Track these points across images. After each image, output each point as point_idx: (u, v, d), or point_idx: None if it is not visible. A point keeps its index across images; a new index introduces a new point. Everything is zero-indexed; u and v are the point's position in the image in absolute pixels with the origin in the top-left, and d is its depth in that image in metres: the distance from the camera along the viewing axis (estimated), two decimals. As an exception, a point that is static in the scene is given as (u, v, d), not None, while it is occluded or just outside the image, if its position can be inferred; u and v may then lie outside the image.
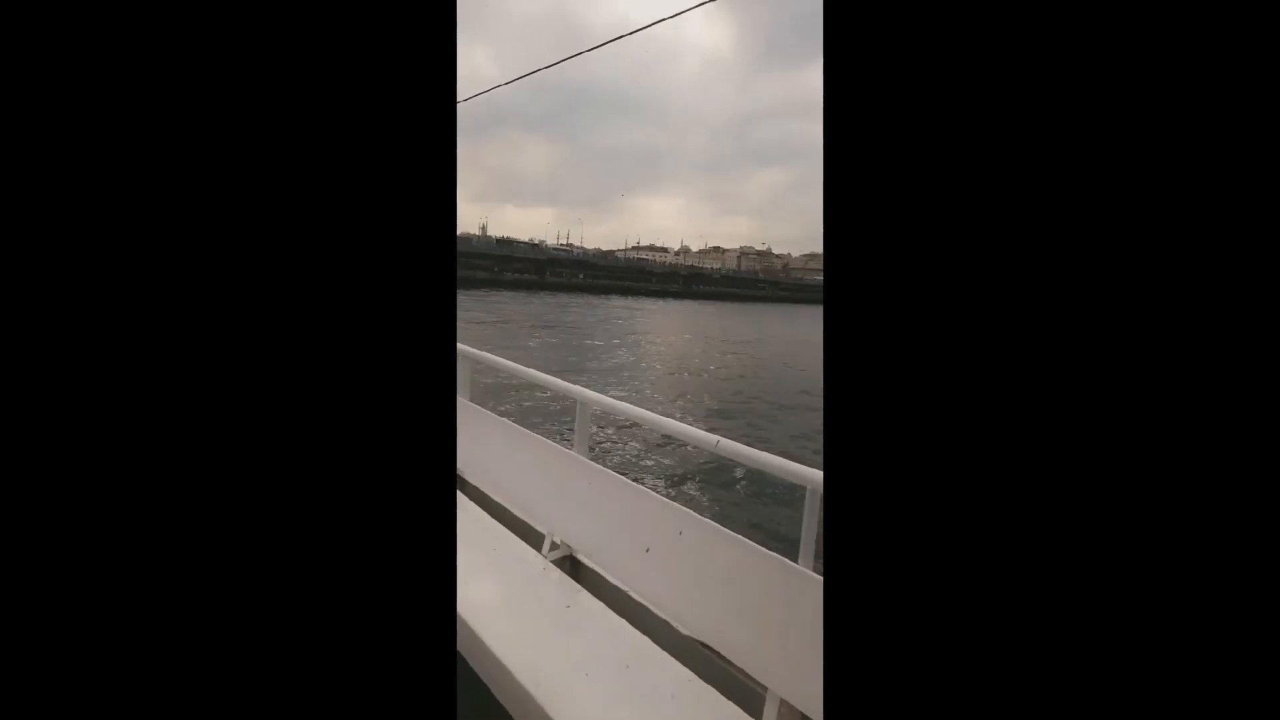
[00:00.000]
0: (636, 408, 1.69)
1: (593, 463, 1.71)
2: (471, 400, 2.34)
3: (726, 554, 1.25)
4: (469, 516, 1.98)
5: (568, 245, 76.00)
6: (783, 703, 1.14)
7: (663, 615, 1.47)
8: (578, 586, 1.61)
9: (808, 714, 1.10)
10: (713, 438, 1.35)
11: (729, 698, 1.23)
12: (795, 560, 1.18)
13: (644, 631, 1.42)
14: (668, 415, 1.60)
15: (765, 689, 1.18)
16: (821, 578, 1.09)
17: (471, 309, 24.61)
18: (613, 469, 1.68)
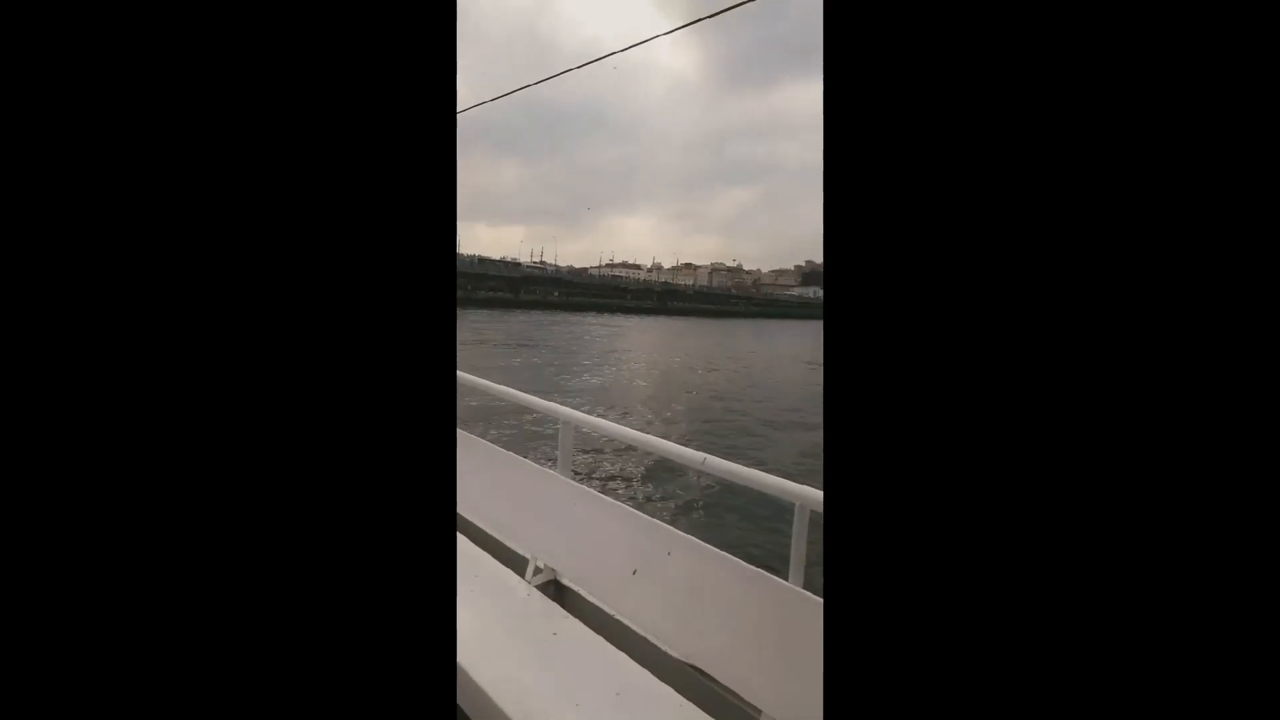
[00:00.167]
0: (621, 426, 1.65)
1: (577, 483, 1.65)
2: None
3: (717, 574, 1.22)
4: None
5: (541, 263, 75.75)
6: None
7: (652, 639, 1.41)
8: (564, 612, 1.54)
9: None
10: (699, 455, 1.33)
11: None
12: (785, 579, 1.16)
13: (633, 656, 1.36)
14: (664, 437, 1.57)
15: (759, 712, 1.15)
16: (814, 596, 1.07)
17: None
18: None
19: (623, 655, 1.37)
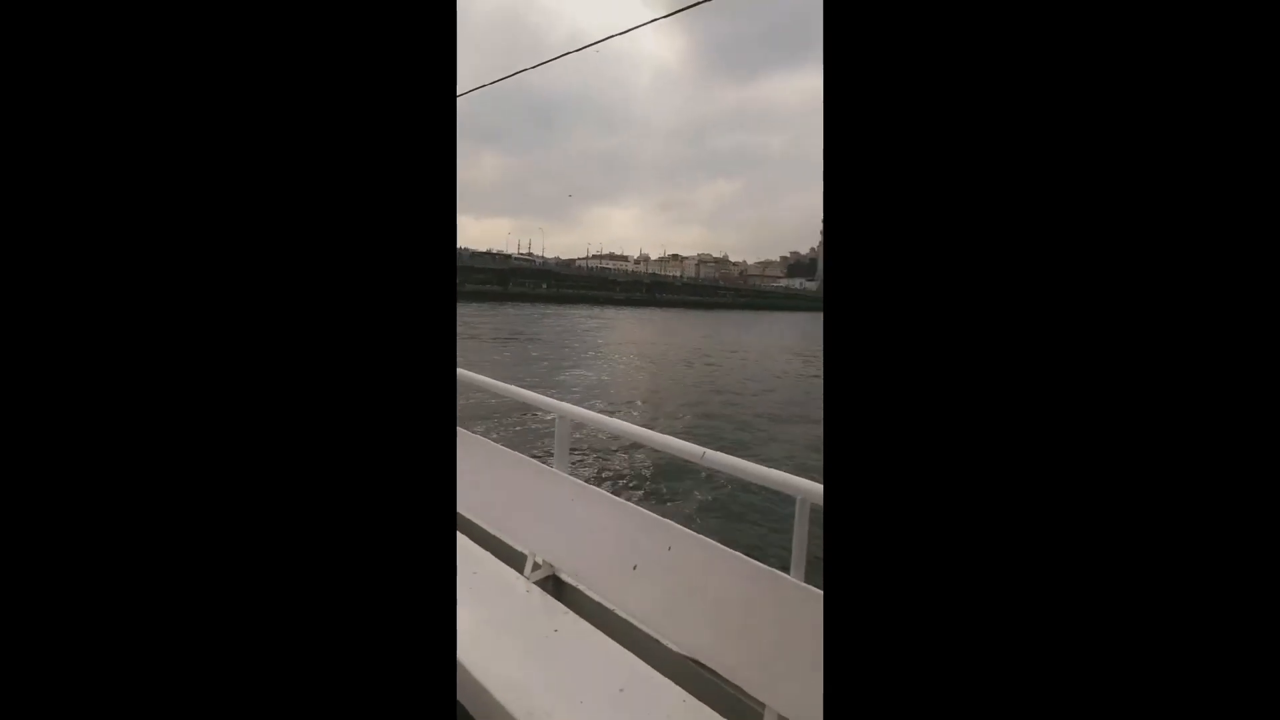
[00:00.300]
0: (618, 420, 1.62)
1: (574, 479, 1.64)
2: None
3: (718, 568, 1.22)
4: None
5: (530, 255, 75.04)
6: (780, 718, 1.12)
7: (653, 634, 1.41)
8: (563, 608, 1.53)
9: None
10: (699, 449, 1.32)
11: (726, 717, 1.20)
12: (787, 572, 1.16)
13: (635, 652, 1.36)
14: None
15: (763, 706, 1.15)
16: (816, 590, 1.08)
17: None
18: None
19: (624, 651, 1.36)
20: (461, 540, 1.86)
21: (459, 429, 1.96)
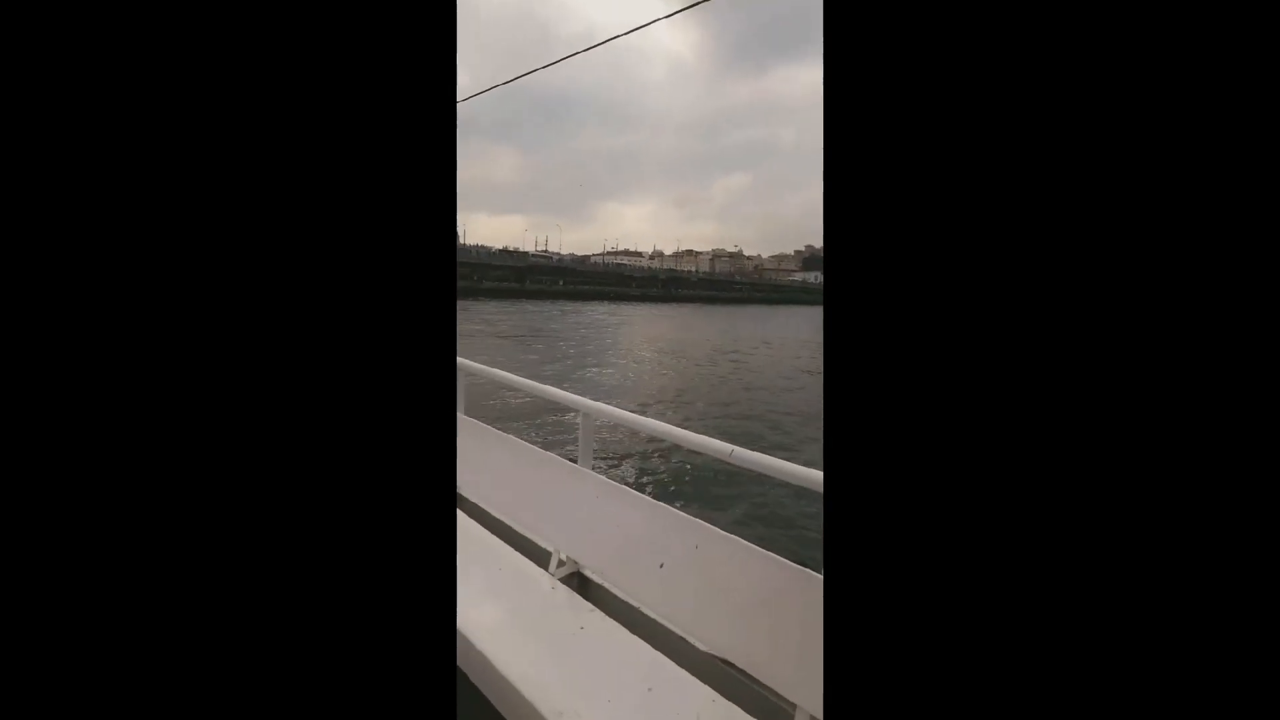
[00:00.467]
0: (642, 417, 1.60)
1: (599, 475, 1.63)
2: (473, 416, 2.26)
3: (747, 567, 1.20)
4: (470, 535, 1.89)
5: (546, 252, 75.18)
6: (811, 718, 1.09)
7: (681, 633, 1.40)
8: (589, 605, 1.53)
9: None
10: (727, 446, 1.29)
11: (755, 717, 1.17)
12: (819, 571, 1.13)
13: (663, 651, 1.35)
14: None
15: (794, 705, 1.12)
16: None
17: (459, 320, 23.90)
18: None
19: (652, 650, 1.35)
20: (486, 536, 1.87)
21: (485, 426, 2.08)
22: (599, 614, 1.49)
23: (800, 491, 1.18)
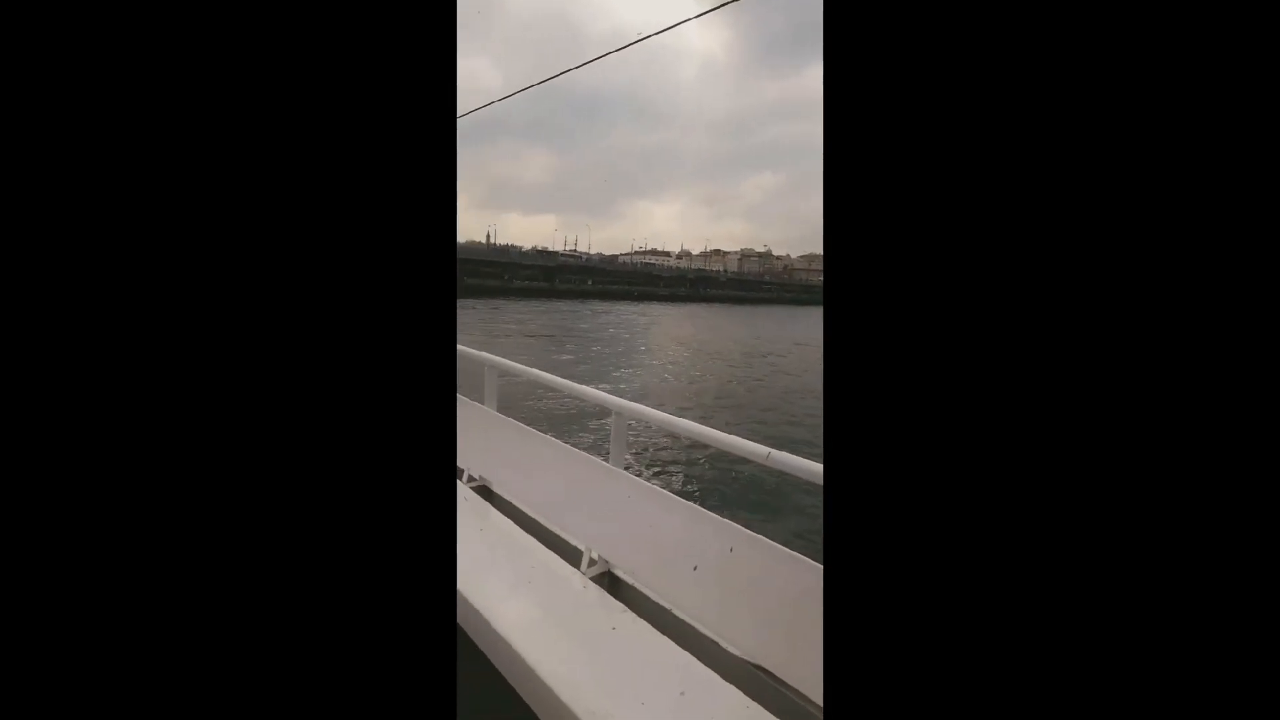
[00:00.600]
0: (676, 417, 1.59)
1: (632, 476, 1.63)
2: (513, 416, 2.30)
3: (783, 572, 1.18)
4: (501, 531, 1.91)
5: (575, 251, 75.59)
6: None
7: (714, 637, 1.38)
8: (621, 606, 1.51)
9: None
10: (763, 449, 1.26)
11: None
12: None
13: (696, 654, 1.33)
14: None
15: None
16: None
17: (492, 320, 24.11)
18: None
19: (684, 652, 1.33)
20: (517, 533, 1.88)
21: (518, 423, 2.11)
22: (630, 614, 1.47)
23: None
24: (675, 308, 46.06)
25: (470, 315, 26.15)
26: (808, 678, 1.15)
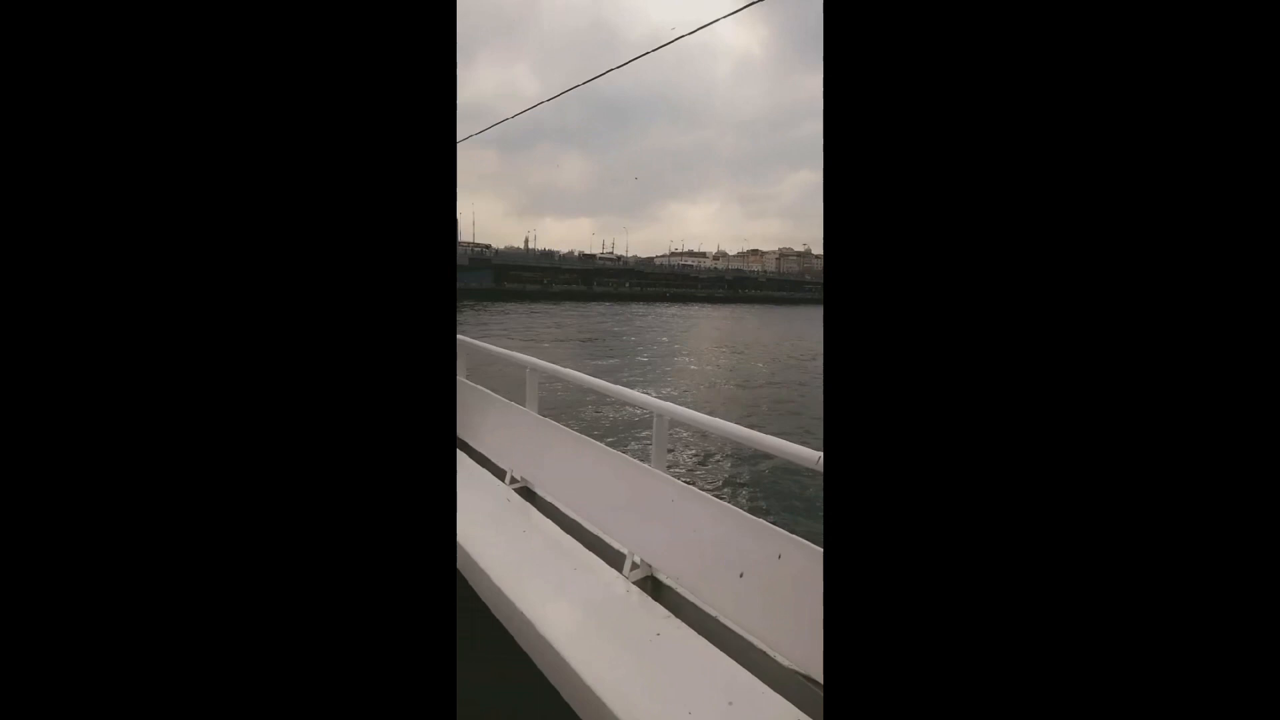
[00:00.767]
0: (719, 420, 1.53)
1: (674, 478, 1.61)
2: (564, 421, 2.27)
3: None
4: (543, 533, 1.93)
5: (611, 254, 75.85)
6: None
7: (761, 645, 1.35)
8: (665, 611, 1.51)
9: None
10: (814, 454, 1.20)
11: None
12: None
13: (742, 663, 1.30)
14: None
15: None
16: None
17: (538, 323, 24.21)
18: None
19: (731, 661, 1.31)
20: (559, 535, 1.89)
21: (556, 424, 2.14)
22: (675, 620, 1.45)
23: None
24: (713, 309, 45.51)
25: (505, 318, 26.41)
26: None
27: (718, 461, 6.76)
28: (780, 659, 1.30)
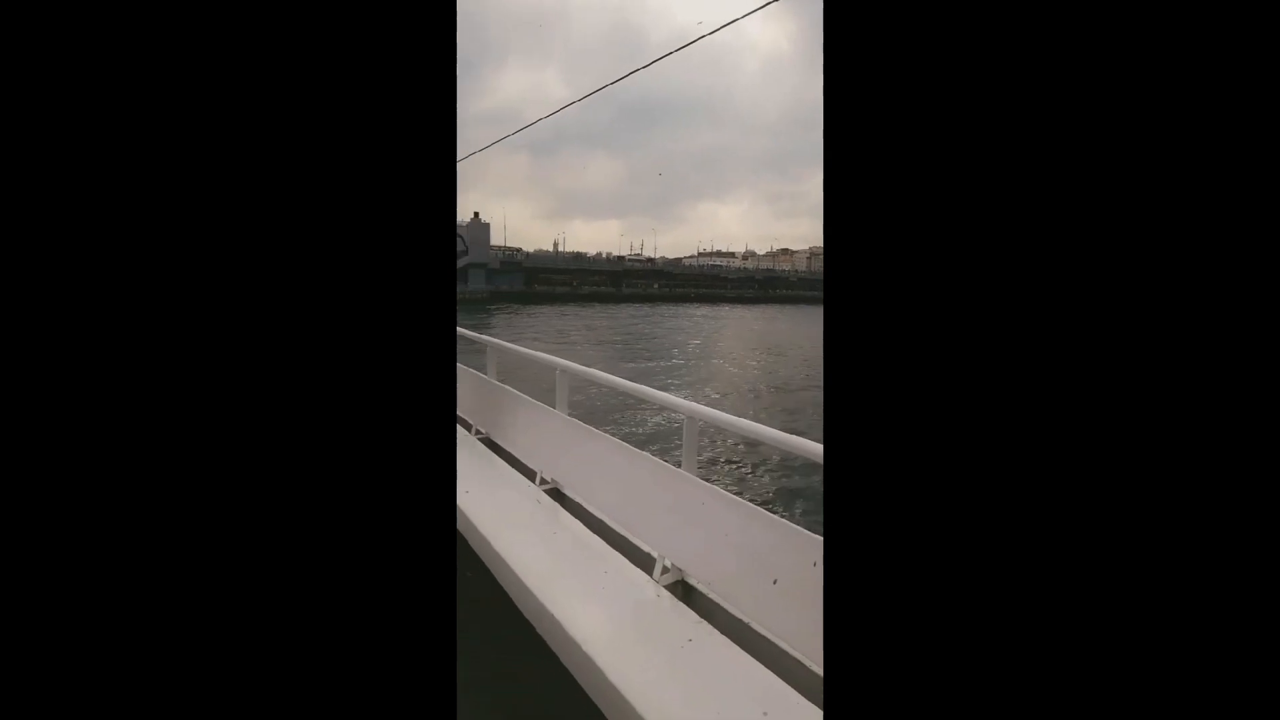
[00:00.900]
0: (753, 423, 1.52)
1: (706, 482, 1.59)
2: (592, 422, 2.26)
3: None
4: (572, 534, 1.93)
5: (639, 255, 75.70)
6: None
7: (796, 654, 1.30)
8: (696, 616, 1.48)
9: None
10: None
11: None
12: None
13: (775, 671, 1.27)
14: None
15: None
16: None
17: (568, 325, 24.14)
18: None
19: (765, 670, 1.29)
20: (589, 537, 1.88)
21: (587, 426, 2.15)
22: (706, 627, 1.43)
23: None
24: (744, 309, 44.85)
25: (535, 320, 26.41)
26: None
27: (769, 470, 6.38)
28: (816, 668, 1.25)
